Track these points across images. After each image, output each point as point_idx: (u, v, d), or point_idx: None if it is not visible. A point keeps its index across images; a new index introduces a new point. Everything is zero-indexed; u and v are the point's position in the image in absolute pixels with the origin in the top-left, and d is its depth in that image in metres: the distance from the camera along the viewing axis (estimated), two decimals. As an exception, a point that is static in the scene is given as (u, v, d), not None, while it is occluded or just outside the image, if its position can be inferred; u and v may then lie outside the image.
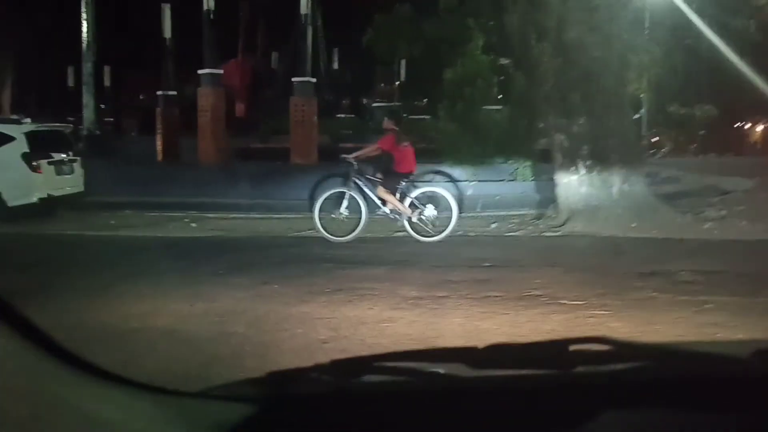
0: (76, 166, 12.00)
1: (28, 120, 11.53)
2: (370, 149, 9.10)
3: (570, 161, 10.23)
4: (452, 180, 10.21)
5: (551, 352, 1.30)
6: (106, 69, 26.75)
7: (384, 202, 8.77)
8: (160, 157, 18.33)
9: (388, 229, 9.25)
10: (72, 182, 11.84)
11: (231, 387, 1.13)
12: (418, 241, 8.66)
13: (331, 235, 8.74)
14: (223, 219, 11.98)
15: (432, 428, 1.02)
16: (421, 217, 8.75)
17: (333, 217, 8.77)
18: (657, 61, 10.64)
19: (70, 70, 25.92)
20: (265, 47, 25.16)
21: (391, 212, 8.81)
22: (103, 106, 27.02)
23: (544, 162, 13.72)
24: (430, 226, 8.79)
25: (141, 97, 24.01)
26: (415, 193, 8.83)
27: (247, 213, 12.56)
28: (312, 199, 9.31)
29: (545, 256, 7.68)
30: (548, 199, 11.13)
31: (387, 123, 9.11)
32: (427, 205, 8.74)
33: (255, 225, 11.20)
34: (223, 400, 1.06)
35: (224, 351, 4.10)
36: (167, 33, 18.17)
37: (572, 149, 10.21)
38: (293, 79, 15.58)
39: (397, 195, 8.75)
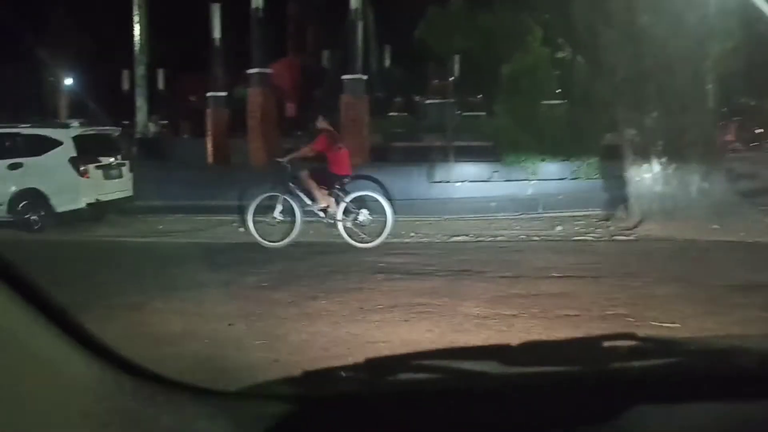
0: (125, 170, 11.76)
1: (77, 123, 11.34)
2: (303, 150, 8.79)
3: (642, 158, 9.39)
4: (380, 184, 9.80)
5: (585, 349, 1.31)
6: (161, 72, 26.88)
7: (325, 209, 8.48)
8: (210, 159, 18.07)
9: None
10: (120, 186, 11.60)
11: (269, 386, 1.15)
12: (352, 246, 8.24)
13: (266, 240, 8.43)
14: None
15: (467, 425, 1.02)
16: (356, 221, 8.38)
17: (267, 222, 8.50)
18: (739, 48, 9.70)
19: (125, 74, 26.08)
20: (315, 45, 24.76)
21: (326, 216, 8.49)
22: (156, 109, 27.20)
23: (610, 159, 12.93)
24: (366, 231, 8.39)
25: (192, 98, 23.88)
26: (349, 197, 8.44)
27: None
28: (242, 203, 8.94)
29: (622, 265, 6.90)
30: (616, 198, 10.31)
31: (321, 122, 8.71)
32: (361, 210, 8.39)
33: (305, 229, 10.73)
34: (261, 399, 1.09)
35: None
36: (216, 33, 17.90)
37: (645, 145, 9.37)
38: (343, 77, 15.03)
39: (332, 198, 8.46)
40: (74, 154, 10.70)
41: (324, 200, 8.43)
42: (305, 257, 7.71)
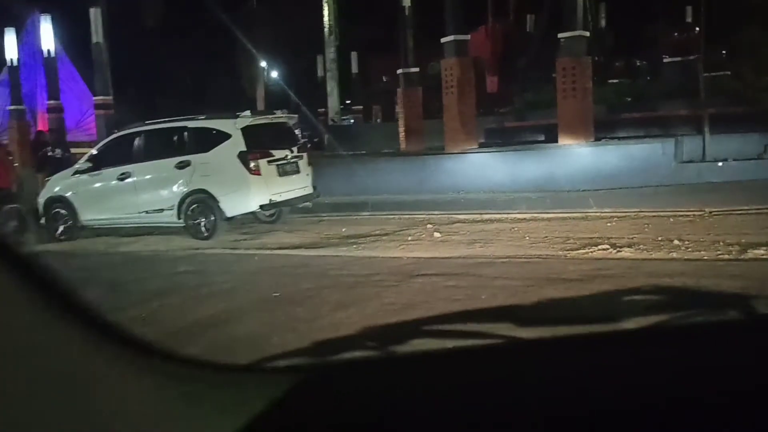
0: (302, 163, 10.05)
1: (248, 113, 9.82)
2: None
3: None
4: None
5: (600, 306, 1.31)
6: (354, 55, 25.68)
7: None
8: (402, 144, 16.12)
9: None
10: (298, 183, 9.92)
11: (279, 358, 1.12)
12: None
13: None
14: (473, 222, 9.26)
15: (480, 386, 0.99)
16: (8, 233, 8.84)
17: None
18: None
19: (319, 60, 25.19)
20: (519, 7, 21.87)
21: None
22: (350, 94, 26.14)
23: None
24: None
25: (386, 79, 22.25)
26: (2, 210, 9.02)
27: (504, 211, 9.79)
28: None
29: None
30: None
31: None
32: (10, 222, 8.94)
33: (516, 231, 8.30)
34: (270, 372, 1.06)
35: None
36: (406, 1, 15.82)
37: None
38: (560, 36, 12.08)
39: None
40: (243, 149, 9.16)
41: None
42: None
